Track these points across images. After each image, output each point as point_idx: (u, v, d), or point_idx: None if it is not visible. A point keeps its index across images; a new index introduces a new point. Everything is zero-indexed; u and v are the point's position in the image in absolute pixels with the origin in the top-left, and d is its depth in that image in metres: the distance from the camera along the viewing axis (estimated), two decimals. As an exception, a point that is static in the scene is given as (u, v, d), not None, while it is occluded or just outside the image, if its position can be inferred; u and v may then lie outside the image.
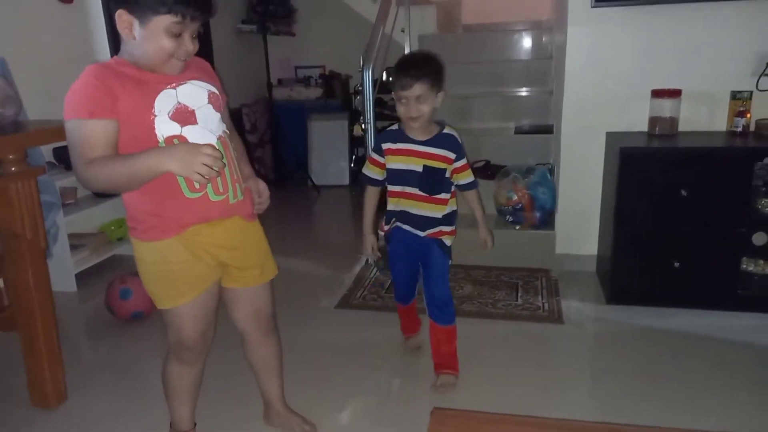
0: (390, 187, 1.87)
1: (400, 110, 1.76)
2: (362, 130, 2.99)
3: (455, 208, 1.88)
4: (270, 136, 4.94)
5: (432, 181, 1.80)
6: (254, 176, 1.49)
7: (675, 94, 2.47)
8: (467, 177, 1.87)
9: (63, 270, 2.68)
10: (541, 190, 2.88)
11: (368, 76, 2.87)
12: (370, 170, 1.90)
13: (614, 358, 2.10)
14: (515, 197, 2.88)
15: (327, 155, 4.87)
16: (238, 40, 4.72)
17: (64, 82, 2.87)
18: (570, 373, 2.04)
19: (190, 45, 1.24)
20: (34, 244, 1.76)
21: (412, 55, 1.81)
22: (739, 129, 2.44)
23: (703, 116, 2.56)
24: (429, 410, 1.00)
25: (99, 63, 1.25)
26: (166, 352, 1.48)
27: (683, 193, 2.27)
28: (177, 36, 1.21)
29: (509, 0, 4.73)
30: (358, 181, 4.60)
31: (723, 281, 2.33)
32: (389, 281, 2.80)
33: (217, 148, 1.22)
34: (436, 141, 1.80)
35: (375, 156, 1.88)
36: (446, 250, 1.88)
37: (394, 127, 1.87)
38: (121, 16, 1.19)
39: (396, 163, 1.82)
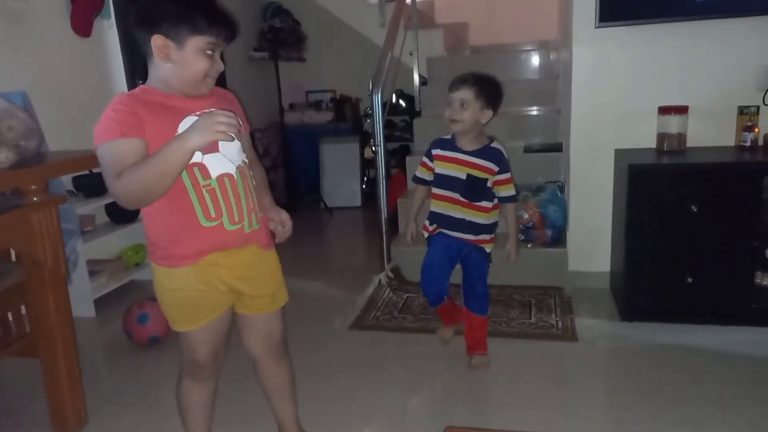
0: (434, 190, 2.04)
1: (446, 112, 1.95)
2: (373, 152, 3.03)
3: (497, 219, 2.04)
4: (282, 160, 5.01)
5: (474, 189, 1.96)
6: (275, 206, 1.52)
7: (682, 110, 2.49)
8: (508, 190, 2.00)
9: (82, 296, 2.73)
10: (552, 208, 2.89)
11: (378, 99, 2.92)
12: (420, 172, 2.10)
13: (629, 376, 2.09)
14: (526, 215, 2.90)
15: (339, 177, 4.93)
16: (250, 67, 4.82)
17: (83, 114, 2.94)
18: (584, 390, 2.03)
19: (220, 64, 1.31)
20: (55, 272, 1.80)
21: (476, 71, 1.98)
22: (748, 143, 2.45)
23: (711, 132, 2.57)
24: (442, 429, 1.02)
25: (124, 93, 1.31)
26: (179, 370, 1.51)
27: (693, 208, 2.27)
28: (210, 56, 1.27)
29: (516, 21, 4.80)
30: (370, 202, 4.64)
31: (737, 296, 2.32)
32: (402, 301, 2.81)
33: (227, 111, 1.23)
34: (481, 152, 1.95)
35: (426, 160, 2.07)
36: (486, 256, 2.07)
37: (448, 135, 2.03)
38: (157, 41, 1.24)
39: (443, 169, 2.00)
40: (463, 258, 2.08)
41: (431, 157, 2.05)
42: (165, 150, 1.19)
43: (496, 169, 1.95)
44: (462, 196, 1.97)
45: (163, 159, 1.18)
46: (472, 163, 1.96)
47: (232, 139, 1.23)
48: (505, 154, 1.98)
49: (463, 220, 1.99)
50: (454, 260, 2.09)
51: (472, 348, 2.19)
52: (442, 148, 2.01)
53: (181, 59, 1.26)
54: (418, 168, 2.13)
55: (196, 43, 1.25)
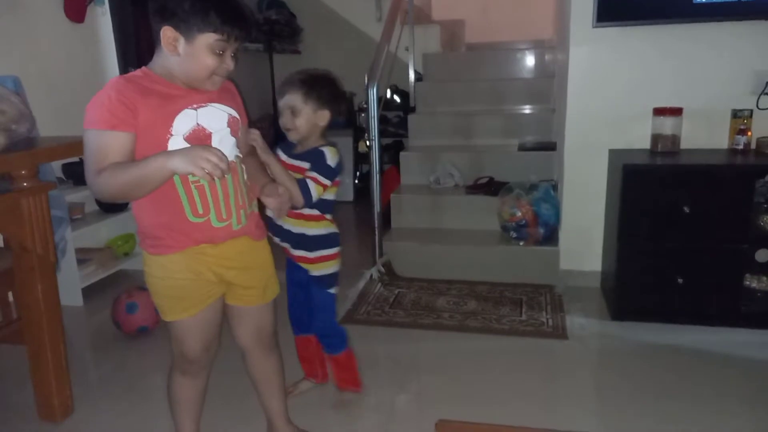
0: None
1: (280, 120, 1.71)
2: (367, 146, 3.02)
3: (329, 231, 1.74)
4: (274, 152, 4.98)
5: None
6: (272, 182, 1.49)
7: (676, 112, 2.50)
8: (310, 183, 1.65)
9: (70, 284, 2.70)
10: (545, 206, 2.90)
11: (373, 94, 2.91)
12: None
13: (618, 374, 2.10)
14: (519, 213, 2.90)
15: (331, 172, 4.90)
16: (245, 59, 4.75)
17: (75, 100, 2.91)
18: (573, 388, 2.04)
19: (230, 63, 1.29)
20: (43, 259, 1.78)
21: (303, 69, 1.74)
22: (741, 147, 2.47)
23: (705, 134, 2.59)
24: (433, 423, 1.01)
25: (124, 75, 1.28)
26: (170, 365, 1.50)
27: (686, 209, 2.28)
28: (220, 54, 1.25)
29: (512, 19, 4.81)
30: (362, 197, 4.63)
31: (726, 298, 2.34)
32: (394, 296, 2.81)
33: (224, 153, 1.21)
34: (303, 154, 1.71)
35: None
36: (318, 281, 1.75)
37: None
38: (166, 32, 1.22)
39: None
40: (304, 283, 1.79)
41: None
42: (146, 163, 1.18)
43: (308, 166, 1.67)
44: None
45: (143, 170, 1.18)
46: (291, 165, 1.70)
47: (212, 180, 1.20)
48: (329, 159, 1.67)
49: (288, 231, 1.72)
50: (294, 282, 1.81)
51: (342, 386, 1.95)
52: (283, 150, 1.77)
53: (189, 54, 1.24)
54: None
55: (205, 40, 1.23)
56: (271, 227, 1.74)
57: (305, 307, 1.83)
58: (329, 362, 1.91)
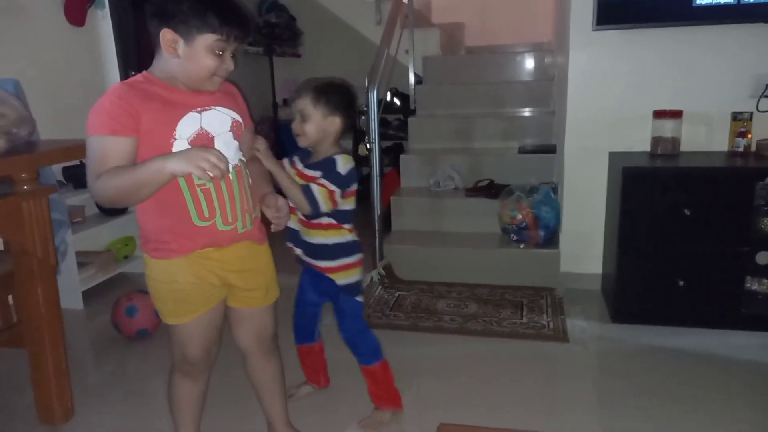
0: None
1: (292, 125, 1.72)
2: (367, 149, 3.02)
3: (348, 240, 1.72)
4: (275, 155, 4.98)
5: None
6: (274, 193, 1.50)
7: (676, 114, 2.50)
8: (318, 191, 1.62)
9: (70, 287, 2.70)
10: (545, 209, 2.90)
11: (373, 97, 2.92)
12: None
13: (619, 377, 2.10)
14: (519, 216, 2.90)
15: (331, 174, 4.90)
16: (245, 62, 4.78)
17: (75, 103, 2.90)
18: (574, 391, 2.04)
19: (230, 63, 1.28)
20: (44, 262, 1.78)
21: (319, 77, 1.73)
22: (740, 149, 2.47)
23: (705, 137, 2.59)
24: (435, 427, 1.01)
25: (126, 81, 1.28)
26: (171, 366, 1.50)
27: (686, 212, 2.28)
28: (219, 55, 1.25)
29: (511, 22, 4.81)
30: (362, 200, 4.62)
31: (727, 300, 2.34)
32: (394, 299, 2.81)
33: (223, 154, 1.19)
34: (316, 163, 1.69)
35: (285, 161, 1.81)
36: (346, 289, 1.73)
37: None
38: (166, 35, 1.22)
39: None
40: (328, 294, 1.78)
41: (291, 163, 1.78)
42: (144, 166, 1.18)
43: (319, 174, 1.65)
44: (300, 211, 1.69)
45: (142, 173, 1.18)
46: (305, 175, 1.69)
47: (210, 180, 1.17)
48: (339, 166, 1.65)
49: (306, 241, 1.71)
50: (318, 294, 1.82)
51: (376, 402, 1.86)
52: (300, 159, 1.76)
53: (189, 56, 1.24)
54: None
55: (204, 41, 1.23)
56: (292, 239, 1.75)
57: (313, 319, 1.89)
58: (364, 376, 1.84)
